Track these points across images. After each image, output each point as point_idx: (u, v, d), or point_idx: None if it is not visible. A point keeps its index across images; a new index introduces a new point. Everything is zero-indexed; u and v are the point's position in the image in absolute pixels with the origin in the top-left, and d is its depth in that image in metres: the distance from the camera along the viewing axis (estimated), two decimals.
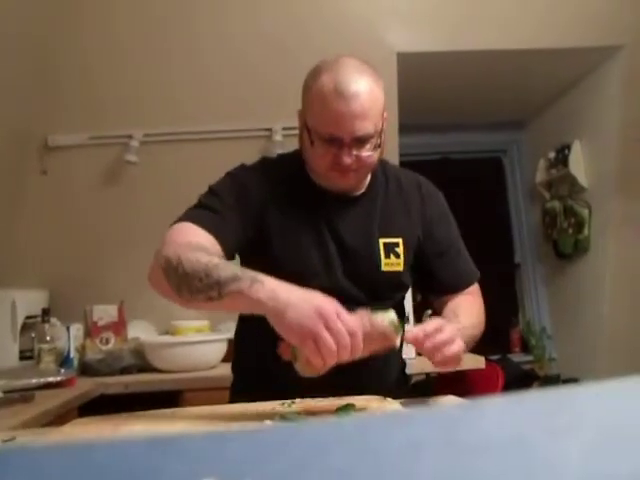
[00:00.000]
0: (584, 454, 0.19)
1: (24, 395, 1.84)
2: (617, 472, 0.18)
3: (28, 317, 2.54)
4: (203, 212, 1.28)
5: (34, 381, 2.02)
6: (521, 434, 0.20)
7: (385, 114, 1.33)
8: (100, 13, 2.89)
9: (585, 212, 3.55)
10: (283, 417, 1.10)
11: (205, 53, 2.93)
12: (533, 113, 4.09)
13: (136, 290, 2.85)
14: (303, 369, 1.04)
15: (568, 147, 3.61)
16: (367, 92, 1.24)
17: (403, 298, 1.45)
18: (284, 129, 2.88)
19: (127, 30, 2.90)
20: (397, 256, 1.36)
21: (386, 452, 0.17)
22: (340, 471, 0.15)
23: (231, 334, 2.54)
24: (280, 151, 2.83)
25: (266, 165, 1.43)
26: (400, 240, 1.37)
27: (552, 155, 3.77)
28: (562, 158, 3.66)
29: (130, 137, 2.87)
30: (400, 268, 1.36)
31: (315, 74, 1.28)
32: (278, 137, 2.88)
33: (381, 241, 1.36)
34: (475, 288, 1.46)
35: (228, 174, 1.39)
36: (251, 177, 1.36)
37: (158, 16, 2.91)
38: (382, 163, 1.45)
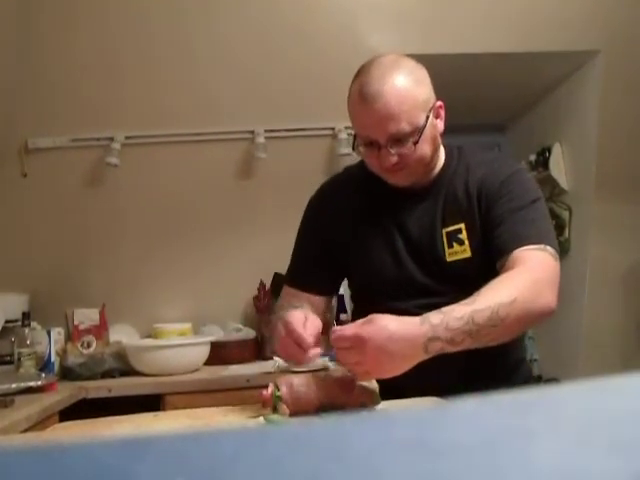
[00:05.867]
0: (558, 455, 0.19)
1: (4, 400, 1.81)
2: (592, 472, 0.18)
3: (8, 321, 2.50)
4: (293, 271, 1.48)
5: (14, 386, 2.00)
6: (494, 435, 0.21)
7: (439, 103, 1.36)
8: (83, 15, 2.87)
9: (566, 214, 3.58)
10: (266, 419, 1.10)
11: (188, 55, 2.92)
12: (514, 116, 4.12)
13: (118, 293, 2.84)
14: (282, 415, 1.12)
15: (548, 150, 3.64)
16: (393, 91, 1.22)
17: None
18: (266, 131, 2.87)
19: (110, 32, 2.88)
20: (461, 243, 1.32)
21: (356, 453, 0.18)
22: (309, 471, 0.15)
23: (213, 337, 2.55)
24: (262, 154, 2.85)
25: (339, 177, 1.53)
26: (462, 225, 1.33)
27: (533, 158, 3.80)
28: (542, 161, 3.69)
29: (111, 139, 2.85)
30: (467, 254, 1.31)
31: (353, 80, 1.30)
32: (261, 140, 2.87)
33: (444, 231, 1.33)
34: (531, 256, 1.28)
35: (307, 205, 1.52)
36: (320, 201, 1.48)
37: (142, 18, 2.90)
38: (459, 150, 1.46)
